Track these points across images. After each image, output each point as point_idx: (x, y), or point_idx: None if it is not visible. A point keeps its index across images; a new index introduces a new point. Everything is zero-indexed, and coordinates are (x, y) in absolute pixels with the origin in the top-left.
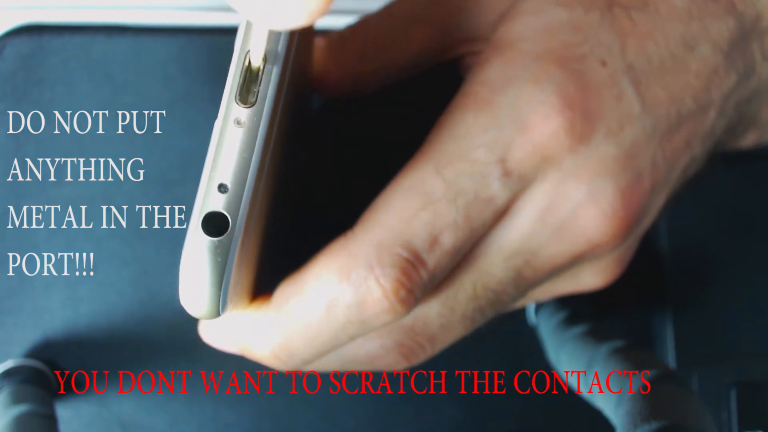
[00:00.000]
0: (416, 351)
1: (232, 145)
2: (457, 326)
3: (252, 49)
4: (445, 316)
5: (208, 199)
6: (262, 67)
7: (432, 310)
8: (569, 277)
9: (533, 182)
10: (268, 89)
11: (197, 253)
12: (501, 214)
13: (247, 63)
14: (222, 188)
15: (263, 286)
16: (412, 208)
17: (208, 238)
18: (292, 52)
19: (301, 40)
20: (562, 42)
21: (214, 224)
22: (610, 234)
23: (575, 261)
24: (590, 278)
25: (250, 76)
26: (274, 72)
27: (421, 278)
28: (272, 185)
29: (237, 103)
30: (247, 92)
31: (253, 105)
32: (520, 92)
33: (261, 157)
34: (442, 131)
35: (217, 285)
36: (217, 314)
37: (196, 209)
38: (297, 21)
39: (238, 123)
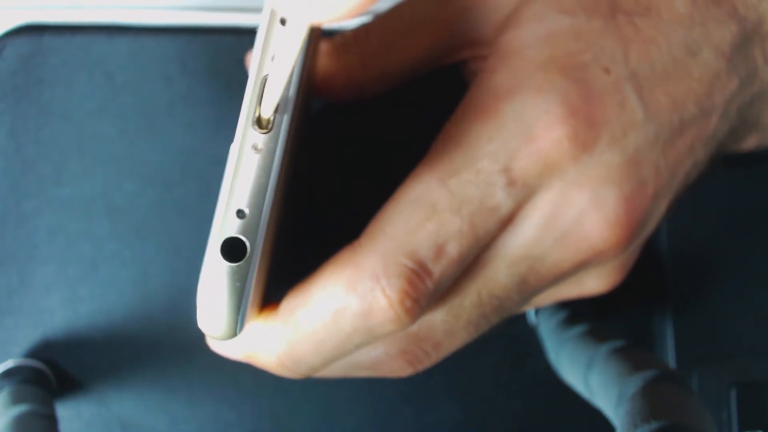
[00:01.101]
0: (421, 358)
1: (249, 171)
2: (462, 333)
3: (270, 76)
4: (449, 323)
5: (227, 225)
6: None
7: (437, 317)
8: (572, 282)
9: (538, 191)
10: (284, 114)
11: (216, 277)
12: (506, 222)
13: (263, 88)
14: (240, 214)
15: (269, 294)
16: (417, 219)
17: (227, 264)
18: (306, 72)
19: (310, 48)
20: (565, 50)
21: (232, 249)
22: (613, 241)
23: (579, 267)
24: (593, 284)
25: None
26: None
27: (427, 288)
28: (282, 200)
29: (254, 129)
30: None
31: (270, 131)
32: (524, 102)
33: (276, 181)
34: (447, 140)
35: (236, 309)
36: (235, 335)
37: (213, 234)
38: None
39: (255, 149)
